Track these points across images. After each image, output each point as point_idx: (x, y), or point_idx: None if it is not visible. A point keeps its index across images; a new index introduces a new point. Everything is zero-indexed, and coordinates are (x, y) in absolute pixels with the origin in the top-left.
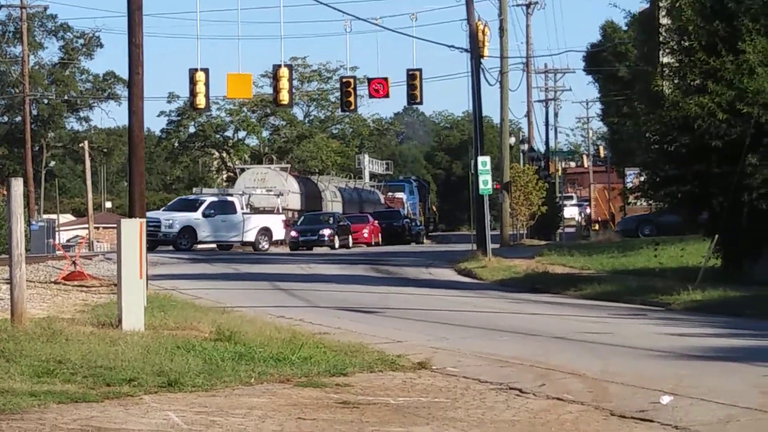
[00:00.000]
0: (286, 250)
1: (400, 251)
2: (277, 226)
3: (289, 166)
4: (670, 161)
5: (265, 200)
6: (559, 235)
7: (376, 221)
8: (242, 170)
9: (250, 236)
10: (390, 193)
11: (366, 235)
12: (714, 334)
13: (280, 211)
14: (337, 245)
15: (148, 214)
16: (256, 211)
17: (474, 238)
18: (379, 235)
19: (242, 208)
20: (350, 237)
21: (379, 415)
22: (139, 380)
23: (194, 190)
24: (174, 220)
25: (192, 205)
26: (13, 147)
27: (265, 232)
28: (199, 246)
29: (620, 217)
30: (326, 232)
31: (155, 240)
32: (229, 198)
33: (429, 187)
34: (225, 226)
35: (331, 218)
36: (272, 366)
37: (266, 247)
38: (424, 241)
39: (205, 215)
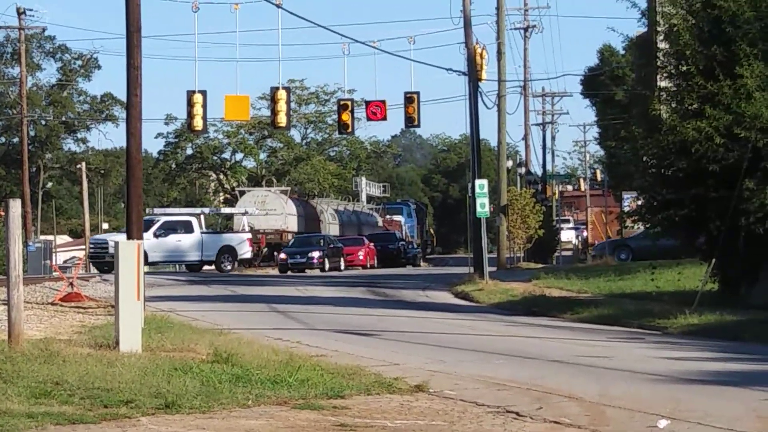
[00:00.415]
0: (276, 271)
1: (396, 274)
2: (242, 246)
3: (288, 189)
4: (667, 185)
5: (264, 221)
6: (556, 259)
7: (372, 243)
8: (242, 192)
9: (211, 256)
10: (388, 216)
11: (361, 257)
12: (711, 358)
13: (246, 230)
14: (327, 267)
15: (96, 236)
16: (256, 232)
17: (471, 261)
18: (375, 257)
19: (201, 228)
20: (342, 259)
21: None
22: (136, 402)
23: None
24: None
25: (145, 227)
26: (11, 168)
27: (228, 251)
28: (150, 267)
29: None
30: (315, 254)
31: (101, 262)
32: (186, 218)
33: (426, 210)
34: (181, 246)
35: (322, 240)
36: (269, 388)
37: (229, 267)
38: (421, 263)
39: (156, 236)
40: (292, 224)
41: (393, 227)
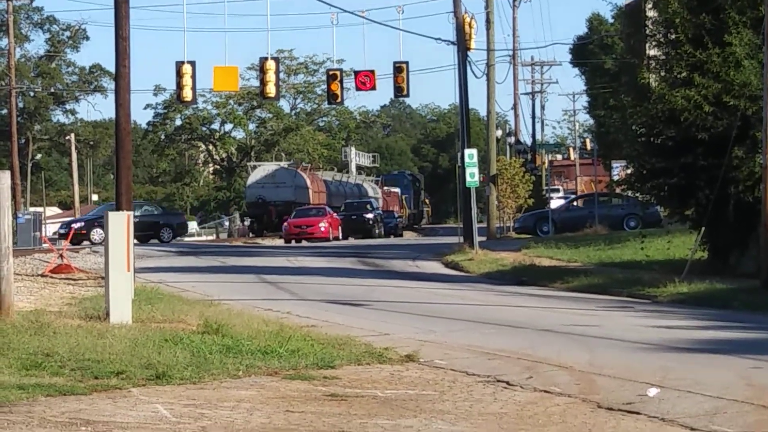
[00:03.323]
0: (278, 242)
1: (386, 244)
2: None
3: (299, 162)
4: (656, 154)
5: (275, 194)
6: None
7: (335, 214)
8: (254, 167)
9: None
10: (386, 187)
11: (323, 229)
12: (700, 327)
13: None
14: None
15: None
16: (267, 204)
17: (461, 231)
18: (339, 228)
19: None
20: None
21: (366, 408)
22: (127, 373)
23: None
24: None
25: None
26: None
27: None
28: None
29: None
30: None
31: None
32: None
33: (422, 182)
34: None
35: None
36: (260, 359)
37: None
38: (404, 234)
39: None
40: (301, 196)
41: (391, 198)
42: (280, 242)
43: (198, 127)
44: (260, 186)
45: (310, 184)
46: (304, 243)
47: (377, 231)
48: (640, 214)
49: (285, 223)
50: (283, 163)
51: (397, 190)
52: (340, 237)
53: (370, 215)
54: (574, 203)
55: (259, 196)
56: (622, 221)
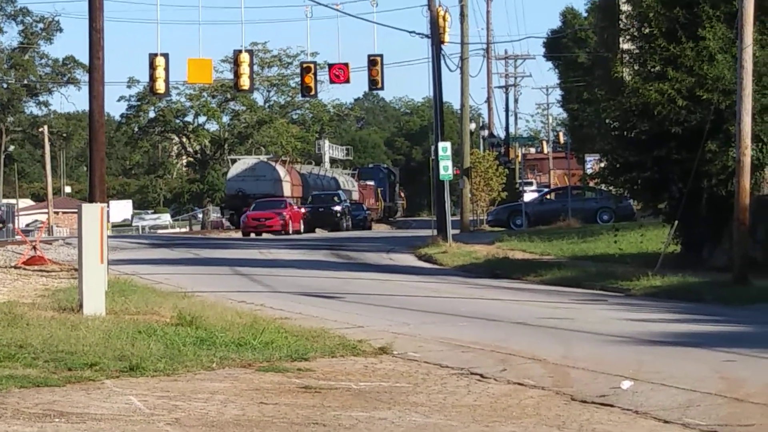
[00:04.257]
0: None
1: (360, 236)
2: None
3: (277, 156)
4: (630, 147)
5: (255, 187)
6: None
7: (296, 206)
8: (234, 160)
9: None
10: (361, 181)
11: (282, 222)
12: (674, 320)
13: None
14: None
15: None
16: (247, 197)
17: (434, 224)
18: (300, 221)
19: None
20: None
21: (340, 400)
22: (100, 365)
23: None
24: None
25: None
26: None
27: None
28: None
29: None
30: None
31: None
32: None
33: (397, 175)
34: None
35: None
36: (234, 351)
37: None
38: (372, 226)
39: None
40: (280, 189)
41: (367, 191)
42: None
43: (171, 120)
44: (240, 179)
45: (288, 178)
46: (267, 235)
47: (345, 223)
48: (613, 208)
49: (243, 216)
50: (263, 157)
51: (373, 183)
52: (302, 230)
53: (337, 207)
54: (547, 196)
55: (239, 189)
56: (595, 215)
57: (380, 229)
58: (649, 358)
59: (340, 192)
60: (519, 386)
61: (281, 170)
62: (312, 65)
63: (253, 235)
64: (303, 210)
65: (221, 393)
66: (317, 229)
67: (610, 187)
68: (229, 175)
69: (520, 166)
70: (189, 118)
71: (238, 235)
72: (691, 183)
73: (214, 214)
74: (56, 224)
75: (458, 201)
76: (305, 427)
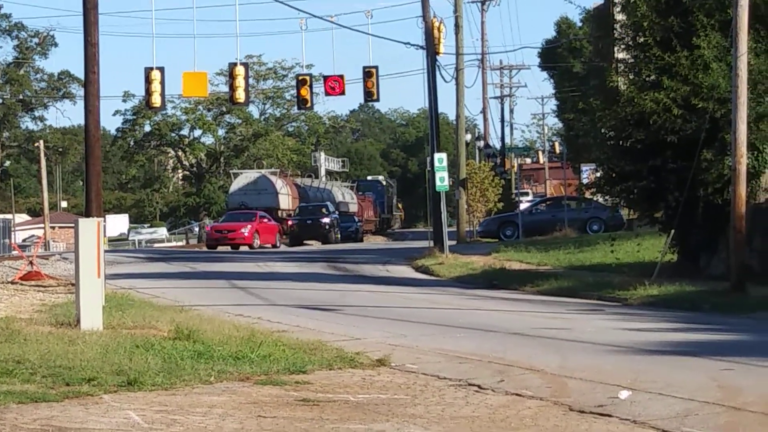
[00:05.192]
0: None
1: (356, 249)
2: None
3: (279, 170)
4: (625, 157)
5: (257, 200)
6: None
7: (266, 219)
8: (236, 174)
9: None
10: (360, 193)
11: (246, 234)
12: (671, 329)
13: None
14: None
15: None
16: (248, 209)
17: (431, 235)
18: (276, 235)
19: None
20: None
21: (339, 413)
22: (98, 379)
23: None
24: None
25: None
26: None
27: None
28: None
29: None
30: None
31: None
32: None
33: (395, 187)
34: None
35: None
36: (231, 364)
37: None
38: (364, 238)
39: None
40: (282, 202)
41: (366, 204)
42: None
43: (167, 133)
44: (243, 193)
45: (289, 191)
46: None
47: (334, 236)
48: (603, 218)
49: (207, 228)
50: (265, 171)
51: (372, 195)
52: (278, 244)
53: (326, 219)
54: (538, 207)
55: (242, 203)
56: (586, 225)
57: (376, 241)
58: (647, 367)
59: (328, 203)
60: (517, 397)
61: (282, 184)
62: (307, 77)
63: (218, 248)
64: (290, 222)
65: (219, 407)
66: (305, 242)
67: (606, 197)
68: (231, 189)
69: (516, 177)
70: (185, 132)
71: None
72: (687, 192)
73: None
74: (53, 239)
75: (455, 212)
76: None
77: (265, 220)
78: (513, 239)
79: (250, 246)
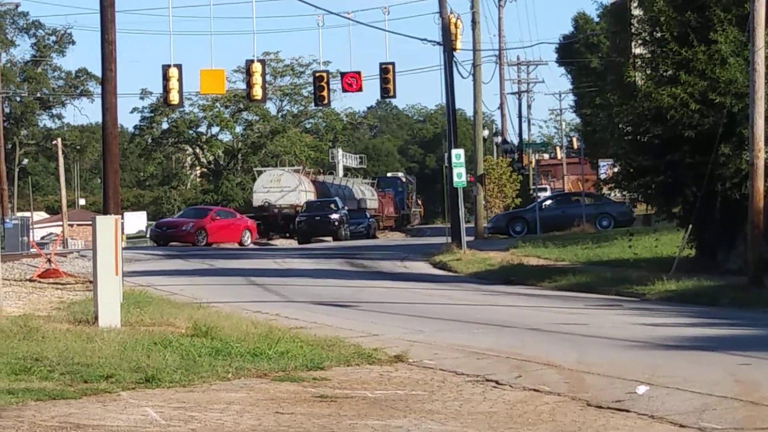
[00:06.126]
0: (287, 243)
1: (374, 245)
2: None
3: (301, 167)
4: (643, 152)
5: (281, 198)
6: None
7: (232, 217)
8: (260, 172)
9: None
10: (380, 189)
11: (188, 231)
12: (689, 324)
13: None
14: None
15: None
16: (273, 207)
17: (448, 231)
18: (242, 233)
19: None
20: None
21: (356, 409)
22: (116, 377)
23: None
24: None
25: None
26: None
27: None
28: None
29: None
30: None
31: None
32: None
33: (415, 183)
34: None
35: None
36: (249, 361)
37: None
38: (377, 235)
39: None
40: (304, 200)
41: (386, 200)
42: (287, 243)
43: (185, 131)
44: (266, 190)
45: (312, 188)
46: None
47: (343, 233)
48: (613, 214)
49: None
50: (288, 168)
51: (392, 191)
52: (245, 242)
53: (335, 216)
54: (546, 203)
55: (266, 200)
56: (595, 220)
57: (393, 237)
58: (665, 362)
59: (336, 199)
60: (534, 392)
61: (305, 181)
62: (324, 74)
63: (161, 243)
64: (297, 219)
65: (237, 403)
66: (315, 239)
67: (624, 192)
68: (255, 186)
69: (534, 172)
70: (202, 129)
71: (276, 243)
72: (704, 187)
73: None
74: (71, 237)
75: (472, 208)
76: None
77: (219, 218)
78: (522, 235)
79: (193, 243)
